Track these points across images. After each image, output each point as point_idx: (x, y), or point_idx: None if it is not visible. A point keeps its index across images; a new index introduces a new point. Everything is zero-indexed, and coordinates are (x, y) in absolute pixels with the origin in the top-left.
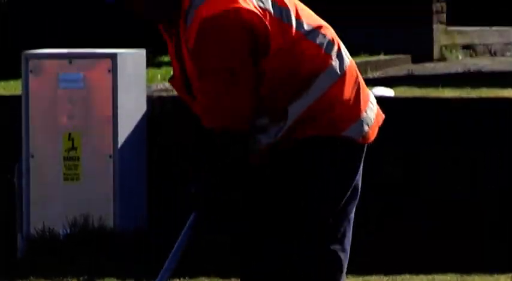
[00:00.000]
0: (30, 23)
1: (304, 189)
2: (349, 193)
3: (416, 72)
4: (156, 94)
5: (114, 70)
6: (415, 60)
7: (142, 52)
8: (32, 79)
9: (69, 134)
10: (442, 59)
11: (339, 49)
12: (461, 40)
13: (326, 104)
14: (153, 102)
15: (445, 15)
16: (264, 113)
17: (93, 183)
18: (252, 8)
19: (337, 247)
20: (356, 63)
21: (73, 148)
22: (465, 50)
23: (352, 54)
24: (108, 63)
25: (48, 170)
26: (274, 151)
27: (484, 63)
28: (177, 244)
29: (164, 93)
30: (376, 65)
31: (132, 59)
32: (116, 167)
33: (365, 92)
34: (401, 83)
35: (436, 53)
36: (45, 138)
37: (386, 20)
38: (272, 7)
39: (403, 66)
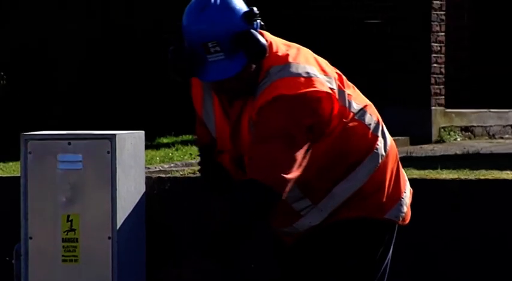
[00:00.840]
0: (29, 104)
1: (344, 267)
2: (383, 272)
3: (414, 154)
4: (155, 175)
5: (112, 151)
6: (413, 142)
7: (141, 133)
8: (31, 160)
9: (68, 216)
10: (441, 141)
11: (383, 128)
12: (459, 122)
13: (375, 186)
14: (152, 183)
15: (443, 97)
16: (306, 195)
17: (92, 265)
18: (327, 90)
19: None
20: None
21: (71, 230)
22: (463, 132)
23: None
24: (106, 144)
25: (47, 252)
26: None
27: (483, 145)
28: None
29: (163, 175)
30: None
31: (130, 141)
32: (115, 249)
33: (402, 171)
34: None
35: (434, 135)
36: (44, 220)
37: (385, 102)
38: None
39: (402, 148)
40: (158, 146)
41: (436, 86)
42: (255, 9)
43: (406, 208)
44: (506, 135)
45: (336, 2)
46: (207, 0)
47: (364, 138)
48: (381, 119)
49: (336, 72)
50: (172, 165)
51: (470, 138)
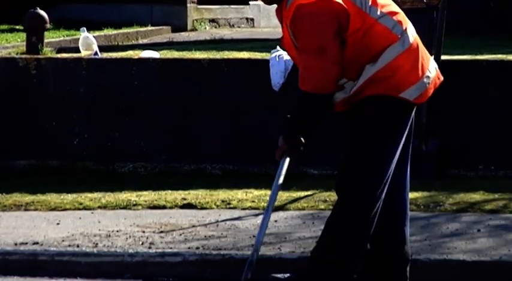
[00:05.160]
0: None
1: (370, 132)
2: (403, 137)
3: (175, 39)
4: None
5: None
6: (174, 31)
7: None
8: None
9: None
10: (194, 29)
11: (405, 30)
12: (208, 15)
13: (390, 71)
14: None
15: None
16: (343, 75)
17: None
18: (338, 0)
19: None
20: (129, 33)
21: None
22: (211, 23)
23: (127, 25)
24: None
25: None
26: (349, 104)
27: (225, 33)
28: (277, 174)
29: None
30: (145, 34)
31: None
32: None
33: (425, 63)
34: (164, 48)
35: (189, 25)
36: None
37: (154, 2)
38: None
39: (165, 35)
40: None
41: None
42: None
43: (421, 92)
44: (242, 25)
45: None
46: None
47: (384, 37)
48: (406, 23)
49: None
50: None
51: (216, 27)
